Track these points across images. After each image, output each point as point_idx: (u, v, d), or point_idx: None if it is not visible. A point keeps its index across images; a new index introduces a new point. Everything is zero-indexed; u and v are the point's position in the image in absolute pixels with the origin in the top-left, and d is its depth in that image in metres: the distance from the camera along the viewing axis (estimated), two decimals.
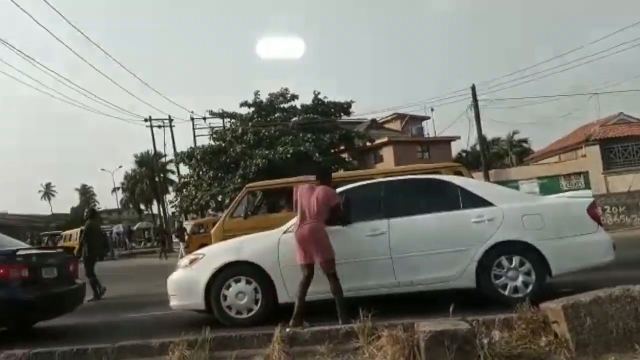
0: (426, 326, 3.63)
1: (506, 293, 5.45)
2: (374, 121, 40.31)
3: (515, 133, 46.03)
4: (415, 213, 5.77)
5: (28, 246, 7.55)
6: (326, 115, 30.54)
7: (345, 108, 31.31)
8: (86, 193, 76.13)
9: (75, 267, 7.11)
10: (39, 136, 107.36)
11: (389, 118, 42.37)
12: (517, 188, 23.30)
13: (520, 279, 5.47)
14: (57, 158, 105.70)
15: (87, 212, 11.25)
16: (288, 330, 4.53)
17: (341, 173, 18.26)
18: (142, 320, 6.84)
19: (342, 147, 32.47)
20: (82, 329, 6.57)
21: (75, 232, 28.00)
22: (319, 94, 30.89)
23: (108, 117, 72.10)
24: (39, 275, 6.10)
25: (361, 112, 45.68)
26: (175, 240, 24.47)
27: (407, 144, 36.32)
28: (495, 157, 46.27)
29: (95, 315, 7.41)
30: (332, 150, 30.85)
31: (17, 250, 6.21)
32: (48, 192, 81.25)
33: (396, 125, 42.48)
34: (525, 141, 46.92)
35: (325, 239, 5.14)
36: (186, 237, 20.26)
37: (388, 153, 34.51)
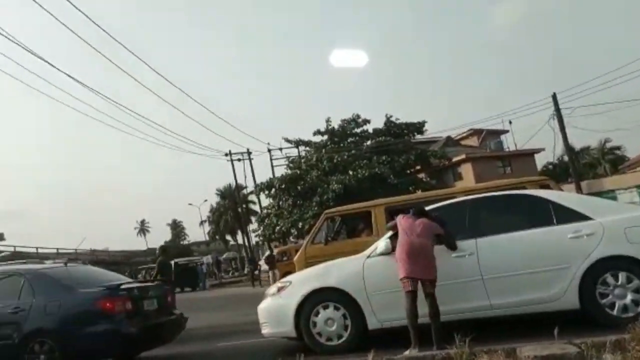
0: (530, 350, 3.44)
1: (614, 312, 5.02)
2: (449, 138, 39.33)
3: (607, 141, 42.86)
4: (504, 231, 5.52)
5: (130, 280, 8.08)
6: (399, 136, 30.35)
7: (418, 127, 30.96)
8: (176, 227, 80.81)
9: (172, 298, 7.50)
10: (127, 176, 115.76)
11: (465, 134, 41.19)
12: (614, 198, 21.61)
13: (629, 296, 5.02)
14: (149, 195, 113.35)
15: (158, 250, 11.95)
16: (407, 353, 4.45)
17: (419, 194, 17.96)
18: (237, 348, 7.04)
19: (418, 167, 31.97)
20: (181, 358, 6.87)
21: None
22: (390, 116, 30.91)
23: (191, 154, 76.62)
24: (141, 307, 6.47)
25: (435, 130, 44.90)
26: (264, 267, 24.97)
27: (486, 160, 34.98)
28: (586, 167, 43.18)
29: (192, 345, 7.72)
30: (408, 171, 30.47)
31: (120, 284, 6.68)
32: (143, 228, 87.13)
33: (473, 141, 41.15)
34: (618, 148, 43.50)
35: (434, 257, 5.13)
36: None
37: (467, 170, 33.44)
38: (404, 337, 4.97)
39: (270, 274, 20.41)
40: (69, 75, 13.92)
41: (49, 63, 13.27)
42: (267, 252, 21.91)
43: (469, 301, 5.36)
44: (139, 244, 79.52)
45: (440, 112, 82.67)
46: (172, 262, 29.85)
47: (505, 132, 37.36)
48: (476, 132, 40.14)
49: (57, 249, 41.80)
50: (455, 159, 33.61)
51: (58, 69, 13.48)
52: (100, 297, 6.16)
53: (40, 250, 40.65)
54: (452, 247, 5.40)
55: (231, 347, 7.24)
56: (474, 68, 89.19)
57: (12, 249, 42.59)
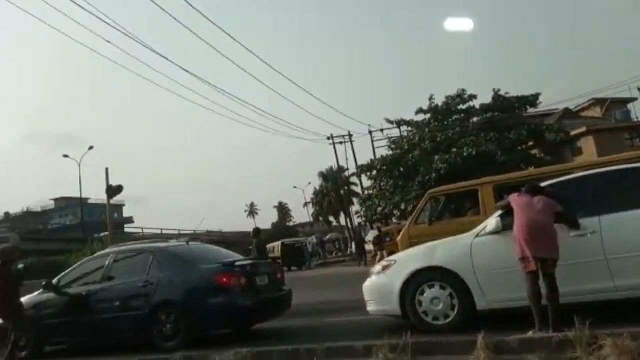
0: None
1: None
2: (566, 110, 36.16)
3: None
4: (632, 207, 5.01)
5: (243, 257, 8.60)
6: (509, 111, 28.50)
7: (532, 100, 28.78)
8: (283, 209, 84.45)
9: (282, 275, 7.86)
10: (235, 162, 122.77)
11: (585, 105, 37.60)
12: None
13: None
14: (258, 179, 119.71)
15: (252, 232, 12.34)
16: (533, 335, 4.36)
17: (531, 171, 16.82)
18: (344, 324, 7.20)
19: (531, 143, 29.85)
20: (291, 331, 7.20)
21: (277, 245, 31.41)
22: (498, 90, 29.01)
23: (295, 139, 79.74)
24: (254, 283, 6.88)
25: (550, 102, 41.56)
26: (368, 247, 25.22)
27: (611, 132, 31.72)
28: None
29: (300, 319, 8.03)
30: (520, 147, 28.57)
31: (235, 260, 7.16)
32: (252, 211, 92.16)
33: (595, 112, 37.49)
34: None
35: (556, 235, 4.80)
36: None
37: (588, 144, 30.61)
38: (511, 319, 4.75)
39: (378, 254, 20.60)
40: (187, 72, 15.01)
41: (170, 61, 14.44)
42: (376, 232, 22.12)
43: (591, 283, 4.96)
44: (249, 226, 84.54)
45: (557, 83, 76.20)
46: (277, 243, 31.61)
47: (633, 100, 33.62)
48: (598, 102, 36.55)
49: (179, 230, 45.76)
50: (574, 133, 30.84)
51: (179, 67, 14.62)
52: (218, 272, 6.66)
53: (164, 232, 44.86)
54: (575, 226, 5.00)
55: (338, 322, 7.40)
56: (594, 31, 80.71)
57: (140, 230, 47.55)
